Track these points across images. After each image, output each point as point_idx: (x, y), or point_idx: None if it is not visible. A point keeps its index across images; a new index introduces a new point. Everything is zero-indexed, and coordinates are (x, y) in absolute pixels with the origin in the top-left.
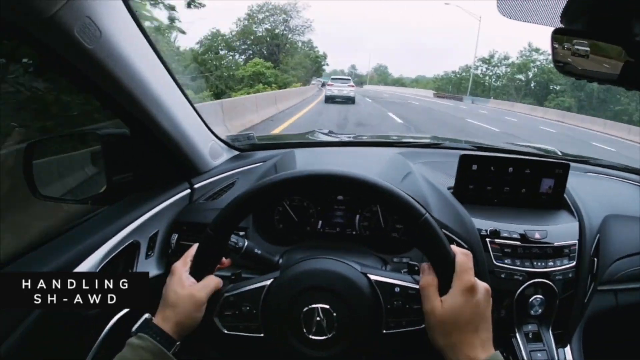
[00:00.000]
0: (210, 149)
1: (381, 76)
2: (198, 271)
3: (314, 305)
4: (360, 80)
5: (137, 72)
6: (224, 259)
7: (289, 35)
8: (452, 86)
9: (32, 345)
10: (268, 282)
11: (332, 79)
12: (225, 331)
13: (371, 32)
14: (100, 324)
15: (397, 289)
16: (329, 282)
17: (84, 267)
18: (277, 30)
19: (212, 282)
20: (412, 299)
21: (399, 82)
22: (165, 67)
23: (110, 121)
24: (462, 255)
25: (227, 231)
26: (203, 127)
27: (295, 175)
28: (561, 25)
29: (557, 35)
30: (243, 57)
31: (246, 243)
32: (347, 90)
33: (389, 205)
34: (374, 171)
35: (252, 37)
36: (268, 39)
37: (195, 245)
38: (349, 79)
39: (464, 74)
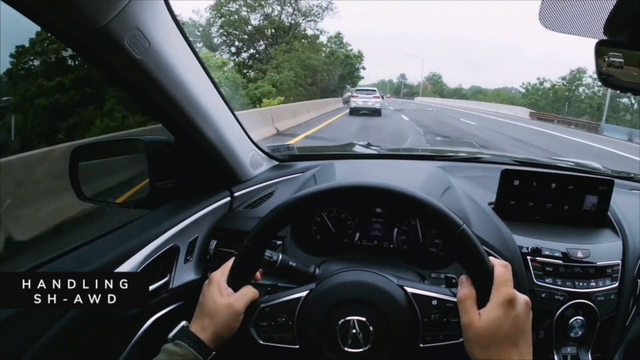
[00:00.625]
0: (251, 159)
1: (435, 86)
2: (235, 281)
3: (349, 318)
4: (411, 91)
5: (183, 82)
6: (257, 273)
7: (301, 21)
8: (552, 102)
9: (66, 344)
10: (304, 294)
11: (357, 90)
12: (261, 342)
13: (419, 37)
14: (136, 325)
15: (434, 302)
16: (365, 294)
17: (125, 268)
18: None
19: (249, 292)
20: (449, 312)
21: (459, 94)
22: (209, 77)
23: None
24: (501, 267)
25: (264, 242)
26: (245, 137)
27: (332, 187)
28: (604, 37)
29: (600, 47)
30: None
31: (280, 257)
32: (372, 101)
33: (426, 216)
34: (414, 184)
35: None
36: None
37: (232, 259)
38: (374, 90)
39: (575, 83)
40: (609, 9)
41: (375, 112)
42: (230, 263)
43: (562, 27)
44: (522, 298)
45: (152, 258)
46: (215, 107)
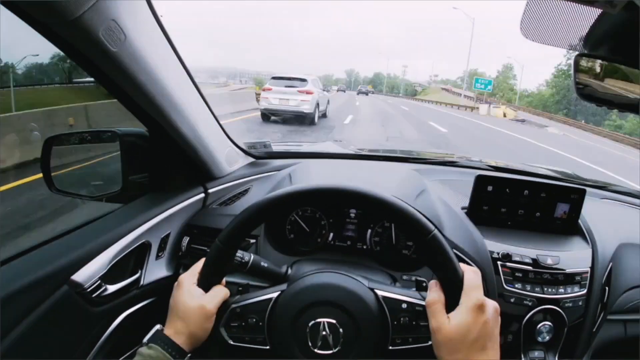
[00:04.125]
0: (226, 155)
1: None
2: (206, 282)
3: (320, 320)
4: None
5: (159, 76)
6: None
7: None
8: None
9: (34, 341)
10: (275, 295)
11: (273, 78)
12: (231, 342)
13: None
14: (106, 322)
15: (404, 305)
16: (335, 296)
17: (95, 264)
18: None
19: (220, 292)
20: (419, 315)
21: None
22: (186, 72)
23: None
24: (471, 273)
25: (236, 242)
26: (221, 133)
27: (307, 189)
28: (584, 50)
29: (579, 60)
30: None
31: (252, 257)
32: (296, 101)
33: (398, 221)
34: (389, 187)
35: None
36: None
37: (202, 260)
38: (304, 81)
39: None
40: (589, 23)
41: (301, 119)
42: (199, 264)
43: (543, 38)
44: (492, 304)
45: (123, 254)
46: (191, 102)
